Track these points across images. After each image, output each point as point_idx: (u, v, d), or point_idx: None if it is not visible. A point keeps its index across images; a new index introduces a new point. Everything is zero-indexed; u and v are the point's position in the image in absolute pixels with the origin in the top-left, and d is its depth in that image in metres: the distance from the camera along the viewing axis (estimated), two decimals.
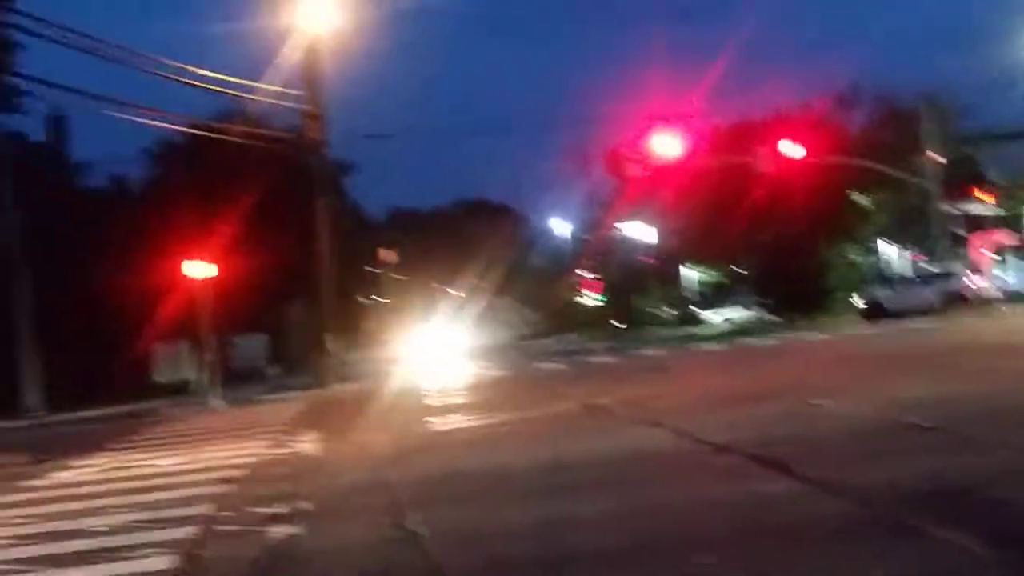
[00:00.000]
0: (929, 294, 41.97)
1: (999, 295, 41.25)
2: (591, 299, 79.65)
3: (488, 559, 7.62)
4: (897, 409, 12.95)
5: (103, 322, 34.74)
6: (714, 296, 64.28)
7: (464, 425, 17.20)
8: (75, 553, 9.21)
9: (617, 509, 8.98)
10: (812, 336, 34.42)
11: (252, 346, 41.97)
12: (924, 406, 12.90)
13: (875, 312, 42.44)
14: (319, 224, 31.20)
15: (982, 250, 48.89)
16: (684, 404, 16.62)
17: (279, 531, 9.50)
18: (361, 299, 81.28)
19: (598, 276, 78.79)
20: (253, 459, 15.16)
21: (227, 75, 27.46)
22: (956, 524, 7.15)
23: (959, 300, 40.30)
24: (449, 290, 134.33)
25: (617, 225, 67.69)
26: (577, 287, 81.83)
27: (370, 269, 56.21)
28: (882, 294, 44.70)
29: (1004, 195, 42.84)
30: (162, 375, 37.53)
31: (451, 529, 8.83)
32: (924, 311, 39.21)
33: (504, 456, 12.80)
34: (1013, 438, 10.22)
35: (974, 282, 42.44)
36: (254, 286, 35.77)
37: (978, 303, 40.02)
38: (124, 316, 35.05)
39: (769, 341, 34.29)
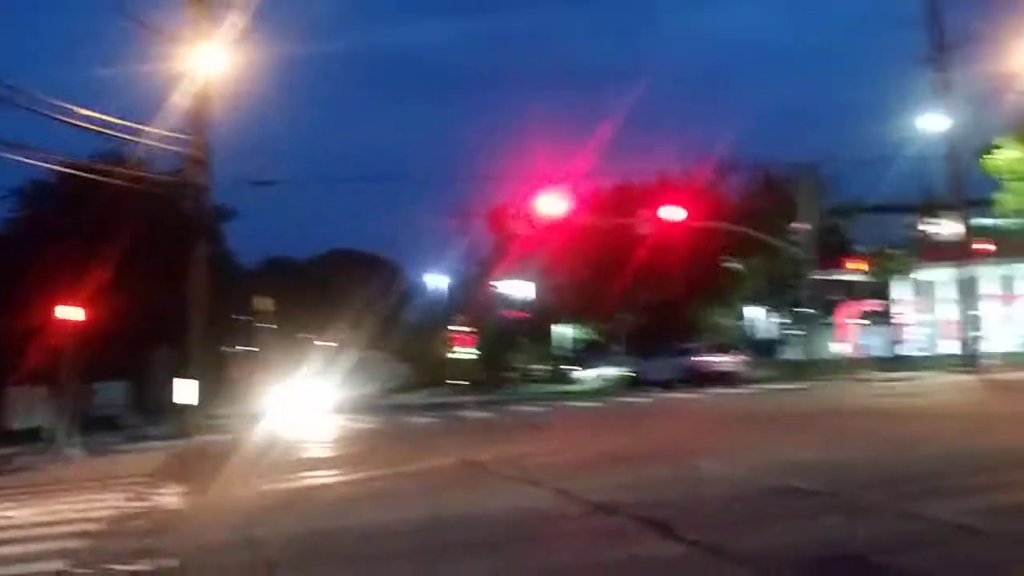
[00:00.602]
0: (669, 369, 44.79)
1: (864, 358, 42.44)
2: (465, 354, 79.43)
3: None
4: (778, 472, 12.90)
5: None
6: (588, 354, 64.68)
7: (336, 480, 16.61)
8: None
9: (501, 571, 8.63)
10: (684, 395, 34.68)
11: (112, 393, 40.53)
12: (806, 469, 12.87)
13: (635, 381, 46.76)
14: (193, 270, 30.35)
15: (847, 318, 50.28)
16: (563, 462, 16.34)
17: None
18: (231, 348, 79.72)
19: (472, 331, 78.67)
20: (111, 512, 14.37)
21: (111, 116, 26.62)
22: None
23: (698, 376, 43.03)
24: (320, 341, 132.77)
25: (494, 282, 67.79)
26: (451, 342, 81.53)
27: (243, 318, 55.14)
28: (637, 365, 48.80)
29: (873, 264, 44.19)
30: (16, 421, 35.92)
31: None
32: (664, 383, 42.34)
33: (379, 513, 12.34)
34: (898, 504, 10.19)
35: (714, 360, 45.38)
36: (119, 331, 34.55)
37: (845, 366, 41.11)
38: None
39: (643, 399, 34.43)
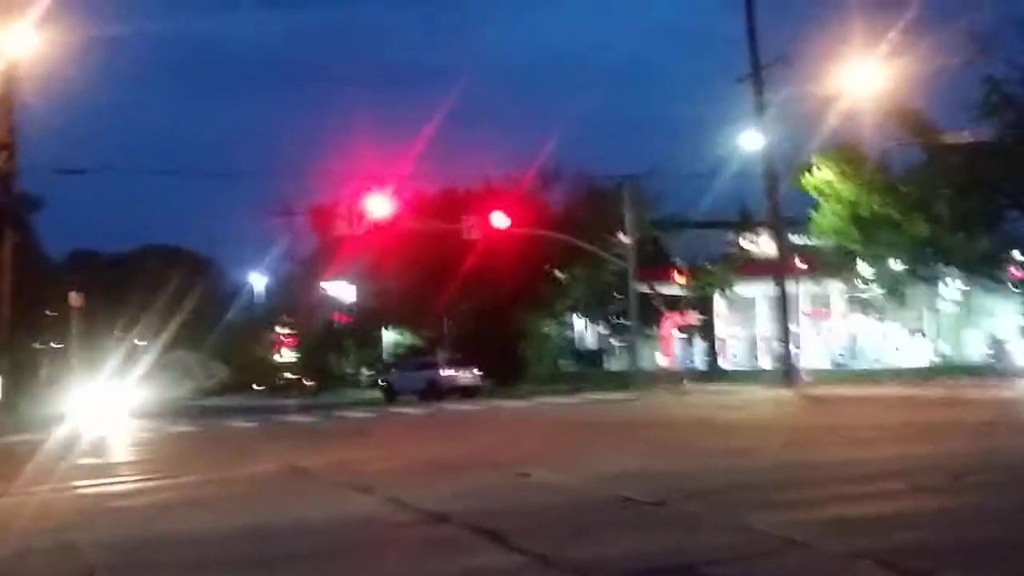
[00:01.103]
0: (418, 380, 48.10)
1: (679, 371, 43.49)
2: (286, 356, 78.18)
3: None
4: (608, 482, 12.96)
5: None
6: (410, 359, 64.44)
7: (150, 486, 15.93)
8: None
9: None
10: (509, 404, 34.83)
11: None
12: (635, 480, 12.97)
13: (390, 391, 50.52)
14: (1, 262, 28.86)
15: (668, 331, 51.53)
16: (392, 469, 16.09)
17: None
18: (39, 345, 76.36)
19: (294, 333, 77.47)
20: None
21: None
22: None
23: (439, 390, 46.71)
24: (133, 340, 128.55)
25: (319, 284, 66.92)
26: (272, 344, 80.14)
27: (52, 313, 52.80)
28: (392, 377, 52.28)
29: (694, 278, 45.37)
30: None
31: None
32: (417, 393, 46.52)
33: (199, 521, 11.82)
34: (726, 515, 10.31)
35: (455, 374, 48.86)
36: None
37: (667, 378, 42.09)
38: None
39: (468, 407, 34.43)
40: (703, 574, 7.96)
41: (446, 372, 48.38)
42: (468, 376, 48.16)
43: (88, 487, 16.05)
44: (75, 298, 31.28)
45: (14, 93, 28.87)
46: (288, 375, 74.46)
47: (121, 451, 23.84)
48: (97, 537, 11.08)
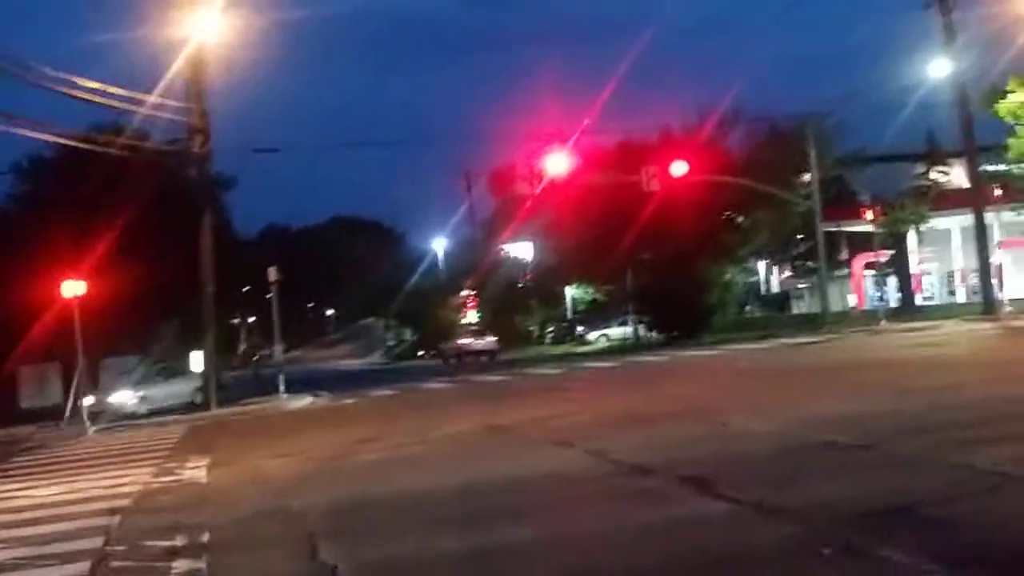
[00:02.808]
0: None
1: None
2: (470, 318, 79.33)
3: None
4: (809, 426, 12.78)
5: None
6: (592, 314, 64.56)
7: (363, 448, 16.45)
8: None
9: (544, 536, 8.49)
10: (697, 353, 34.55)
11: (124, 367, 40.42)
12: (837, 423, 12.76)
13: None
14: (202, 241, 30.17)
15: (858, 270, 50.14)
16: (590, 423, 16.23)
17: (180, 566, 8.79)
18: (237, 320, 79.68)
19: (477, 295, 78.50)
20: (138, 487, 14.29)
21: (110, 87, 26.25)
22: (898, 544, 6.88)
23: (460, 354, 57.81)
24: (325, 310, 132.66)
25: (500, 244, 67.59)
26: (457, 306, 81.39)
27: (248, 288, 54.91)
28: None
29: (883, 214, 43.89)
30: (28, 400, 35.87)
31: (369, 561, 8.23)
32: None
33: (412, 481, 12.19)
34: (938, 454, 10.07)
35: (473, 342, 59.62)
36: (128, 304, 34.38)
37: (859, 319, 41.04)
38: None
39: (656, 358, 34.31)
40: (918, 515, 7.80)
41: (465, 340, 61.17)
42: (485, 342, 59.73)
43: (306, 452, 16.69)
44: (273, 272, 32.36)
45: (206, 77, 30.08)
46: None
47: (352, 418, 24.64)
48: (315, 500, 11.56)
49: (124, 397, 34.10)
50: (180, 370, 34.96)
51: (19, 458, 21.53)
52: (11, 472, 18.77)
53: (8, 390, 35.06)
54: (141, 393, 34.30)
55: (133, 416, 31.88)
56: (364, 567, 8.02)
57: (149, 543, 9.96)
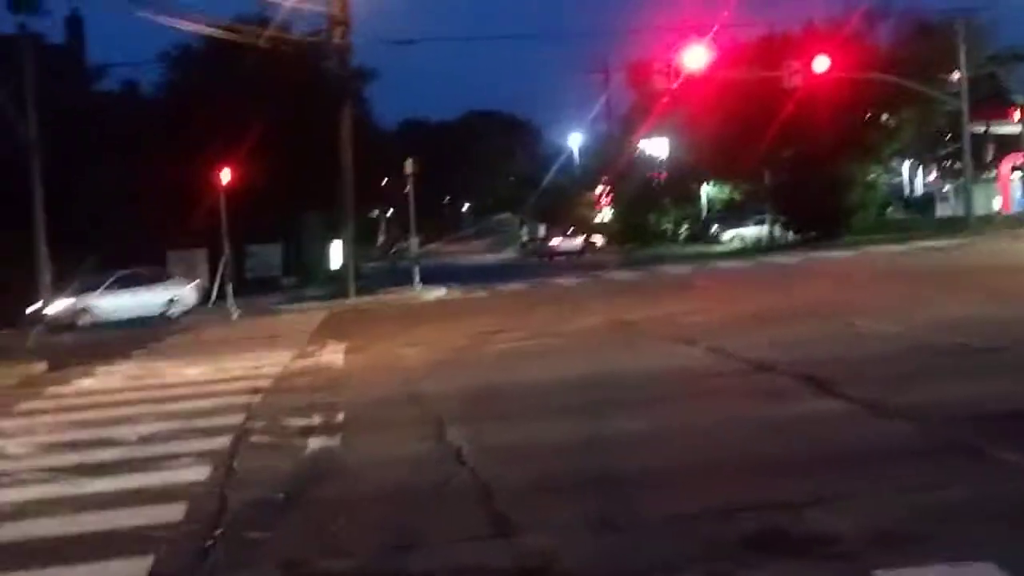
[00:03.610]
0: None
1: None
2: (605, 215, 79.23)
3: (535, 477, 7.34)
4: (941, 329, 12.66)
5: (118, 228, 34.32)
6: (729, 213, 63.83)
7: (492, 339, 16.87)
8: (106, 463, 9.02)
9: (660, 427, 8.72)
10: (834, 254, 34.06)
11: (267, 255, 41.79)
12: (971, 326, 12.59)
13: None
14: (343, 133, 30.74)
15: (1006, 172, 48.42)
16: (716, 322, 16.32)
17: (315, 443, 9.32)
18: (376, 213, 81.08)
19: (612, 192, 78.17)
20: (278, 369, 15.01)
21: None
22: (1016, 446, 6.90)
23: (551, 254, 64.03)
24: (462, 205, 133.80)
25: (636, 140, 66.99)
26: (591, 202, 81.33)
27: (386, 181, 55.76)
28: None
29: None
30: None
31: (493, 445, 8.60)
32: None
33: (537, 372, 12.53)
34: None
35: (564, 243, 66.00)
36: (269, 194, 35.36)
37: (1000, 221, 39.78)
38: (140, 222, 34.65)
39: (792, 259, 33.94)
40: None
41: (555, 242, 67.00)
42: (575, 244, 65.84)
43: (437, 342, 17.20)
44: (411, 164, 32.77)
45: None
46: (610, 233, 75.43)
47: (463, 311, 25.24)
48: (443, 386, 12.01)
49: (61, 307, 29.35)
50: (153, 278, 31.74)
51: (169, 339, 22.63)
52: (163, 351, 19.82)
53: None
54: (85, 304, 29.90)
55: (71, 328, 28.48)
56: (487, 449, 8.38)
57: (287, 421, 10.53)
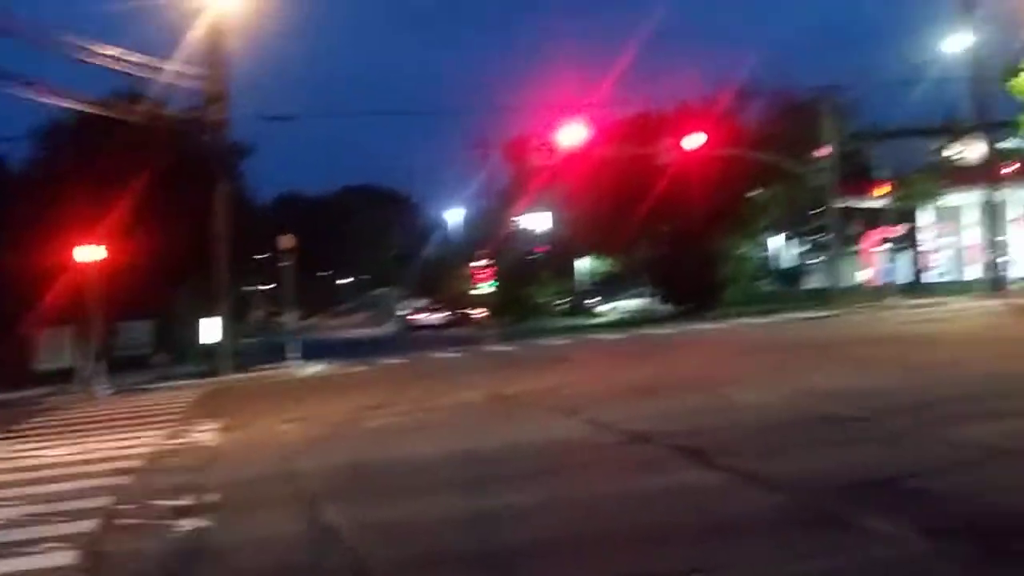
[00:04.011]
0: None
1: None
2: (485, 289, 79.52)
3: (417, 554, 7.27)
4: (810, 400, 12.98)
5: None
6: (606, 286, 64.68)
7: (372, 415, 16.69)
8: None
9: (546, 501, 8.71)
10: (707, 326, 34.70)
11: (138, 332, 40.77)
12: (838, 397, 12.95)
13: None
14: (218, 208, 30.37)
15: (871, 245, 50.07)
16: (595, 394, 16.44)
17: (186, 524, 9.04)
18: (252, 287, 79.93)
19: (492, 265, 78.60)
20: (149, 449, 14.57)
21: (128, 54, 26.36)
22: (887, 515, 7.07)
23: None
24: (339, 279, 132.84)
25: (514, 215, 67.68)
26: (471, 277, 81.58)
27: (262, 256, 55.11)
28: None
29: (897, 189, 43.79)
30: (44, 362, 36.22)
31: (372, 523, 8.47)
32: None
33: (418, 447, 12.43)
34: (932, 428, 10.25)
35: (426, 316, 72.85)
36: (142, 270, 34.62)
37: (869, 294, 41.11)
38: (3, 302, 33.60)
39: (668, 331, 34.46)
40: (904, 487, 8.00)
41: (417, 316, 72.68)
42: (436, 317, 71.22)
43: (312, 419, 16.94)
44: (286, 240, 32.57)
45: (223, 45, 30.15)
46: (470, 311, 75.75)
47: (340, 388, 24.95)
48: (322, 463, 11.82)
49: None
50: None
51: (34, 419, 21.82)
52: (26, 433, 19.08)
53: (24, 353, 35.39)
54: None
55: None
56: (366, 527, 8.25)
57: (158, 502, 10.21)
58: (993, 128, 39.16)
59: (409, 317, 75.56)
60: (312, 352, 35.68)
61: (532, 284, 70.93)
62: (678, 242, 47.51)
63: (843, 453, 9.55)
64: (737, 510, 7.78)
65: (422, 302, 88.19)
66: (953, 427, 10.09)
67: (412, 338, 57.36)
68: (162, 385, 29.50)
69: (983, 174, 39.06)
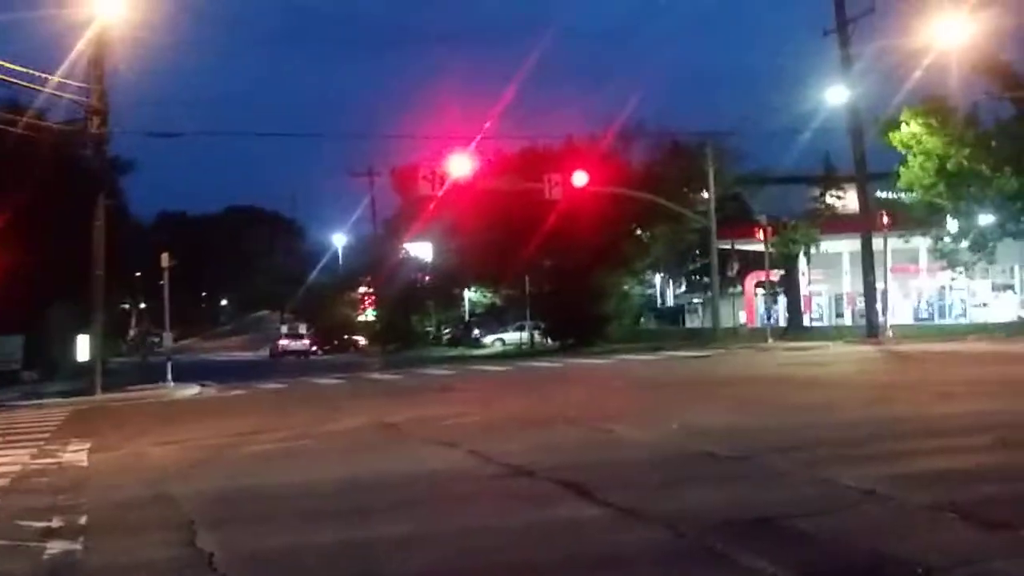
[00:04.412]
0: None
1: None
2: (367, 315, 79.10)
3: None
4: (691, 437, 13.14)
5: None
6: (490, 318, 64.91)
7: (249, 439, 16.40)
8: None
9: (423, 532, 8.62)
10: (589, 361, 35.00)
11: (7, 347, 39.53)
12: (717, 435, 13.12)
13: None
14: (95, 223, 29.64)
15: (749, 288, 51.23)
16: (476, 425, 16.41)
17: (54, 547, 8.72)
18: (128, 305, 78.21)
19: (375, 293, 78.27)
20: (16, 468, 14.07)
21: (8, 63, 25.66)
22: (763, 554, 7.16)
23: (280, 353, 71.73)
24: (219, 300, 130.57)
25: (401, 243, 67.54)
26: (354, 303, 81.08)
27: (140, 274, 54.04)
28: None
29: (777, 234, 44.87)
30: None
31: (246, 550, 8.29)
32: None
33: (295, 474, 12.24)
34: (807, 469, 10.43)
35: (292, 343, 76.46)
36: (16, 284, 33.61)
37: (748, 335, 41.94)
38: None
39: (549, 364, 34.66)
40: (782, 527, 8.12)
41: (285, 341, 74.61)
42: (301, 344, 73.75)
43: (189, 441, 16.59)
44: (166, 258, 32.00)
45: (105, 58, 29.55)
46: (370, 333, 75.31)
47: (215, 408, 24.52)
48: (196, 488, 11.54)
49: None
50: None
51: None
52: None
53: None
54: None
55: None
56: (240, 555, 8.07)
57: (24, 523, 9.85)
58: (870, 178, 40.42)
59: (276, 342, 77.64)
60: (189, 374, 34.96)
61: (416, 312, 70.84)
62: (562, 277, 47.97)
63: (722, 491, 9.66)
64: (621, 546, 7.79)
65: (302, 326, 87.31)
66: (829, 468, 10.29)
67: (293, 363, 56.66)
68: (31, 402, 28.61)
69: (859, 222, 40.26)
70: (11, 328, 38.87)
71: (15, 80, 26.68)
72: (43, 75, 27.59)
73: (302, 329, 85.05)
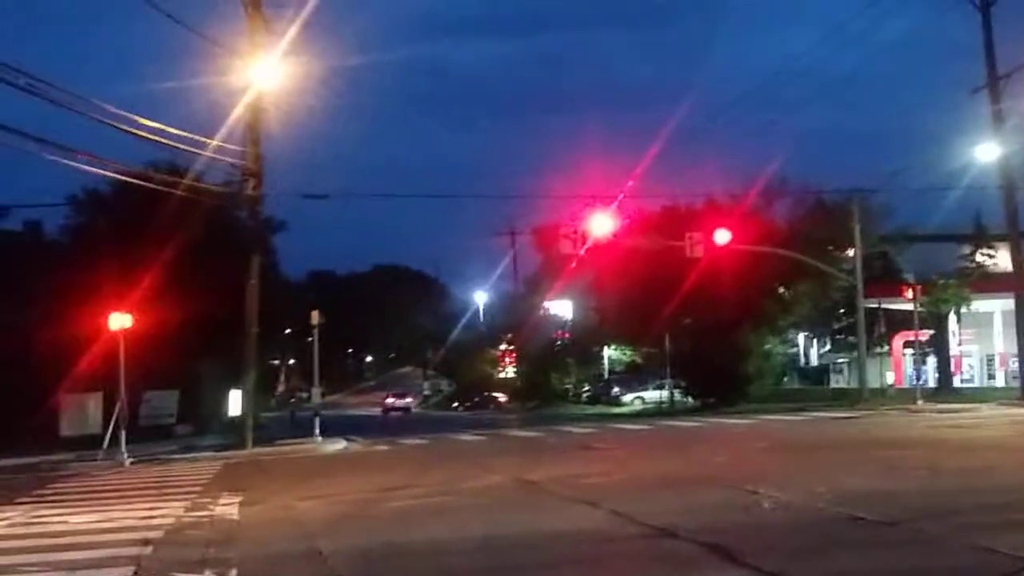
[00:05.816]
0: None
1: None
2: (508, 372, 79.51)
3: None
4: (838, 501, 12.82)
5: (10, 372, 33.46)
6: (629, 376, 64.54)
7: (393, 495, 16.62)
8: None
9: None
10: (732, 421, 34.48)
11: (163, 402, 40.83)
12: (866, 499, 12.80)
13: None
14: (250, 282, 30.65)
15: (898, 348, 49.87)
16: (618, 484, 16.33)
17: None
18: (277, 361, 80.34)
19: (515, 350, 78.69)
20: (170, 520, 14.55)
21: (169, 127, 26.87)
22: None
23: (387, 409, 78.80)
24: (365, 357, 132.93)
25: (542, 301, 67.91)
26: (495, 360, 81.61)
27: (290, 331, 55.47)
28: None
29: (926, 293, 43.66)
30: (68, 428, 36.28)
31: None
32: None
33: (438, 530, 12.35)
34: (962, 535, 10.11)
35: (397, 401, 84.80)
36: (169, 340, 34.83)
37: (896, 396, 40.79)
38: (33, 366, 33.85)
39: (690, 423, 34.27)
40: None
41: (391, 399, 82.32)
42: (406, 401, 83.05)
43: (337, 497, 16.90)
44: (315, 316, 32.87)
45: (262, 123, 30.74)
46: (511, 391, 75.60)
47: (360, 462, 24.91)
48: (341, 544, 11.74)
49: None
50: None
51: (56, 485, 21.86)
52: (48, 498, 19.11)
53: (51, 419, 35.49)
54: None
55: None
56: None
57: (179, 575, 10.18)
58: (1022, 236, 39.11)
59: (384, 400, 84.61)
60: (335, 429, 35.60)
61: (556, 370, 70.91)
62: (703, 335, 47.46)
63: (873, 557, 9.42)
64: None
65: (444, 382, 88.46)
66: (983, 535, 9.94)
67: (437, 418, 57.17)
68: (185, 456, 29.52)
69: (1011, 281, 38.96)
70: (166, 383, 40.17)
71: (177, 144, 27.84)
72: (202, 139, 28.75)
73: (443, 386, 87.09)
